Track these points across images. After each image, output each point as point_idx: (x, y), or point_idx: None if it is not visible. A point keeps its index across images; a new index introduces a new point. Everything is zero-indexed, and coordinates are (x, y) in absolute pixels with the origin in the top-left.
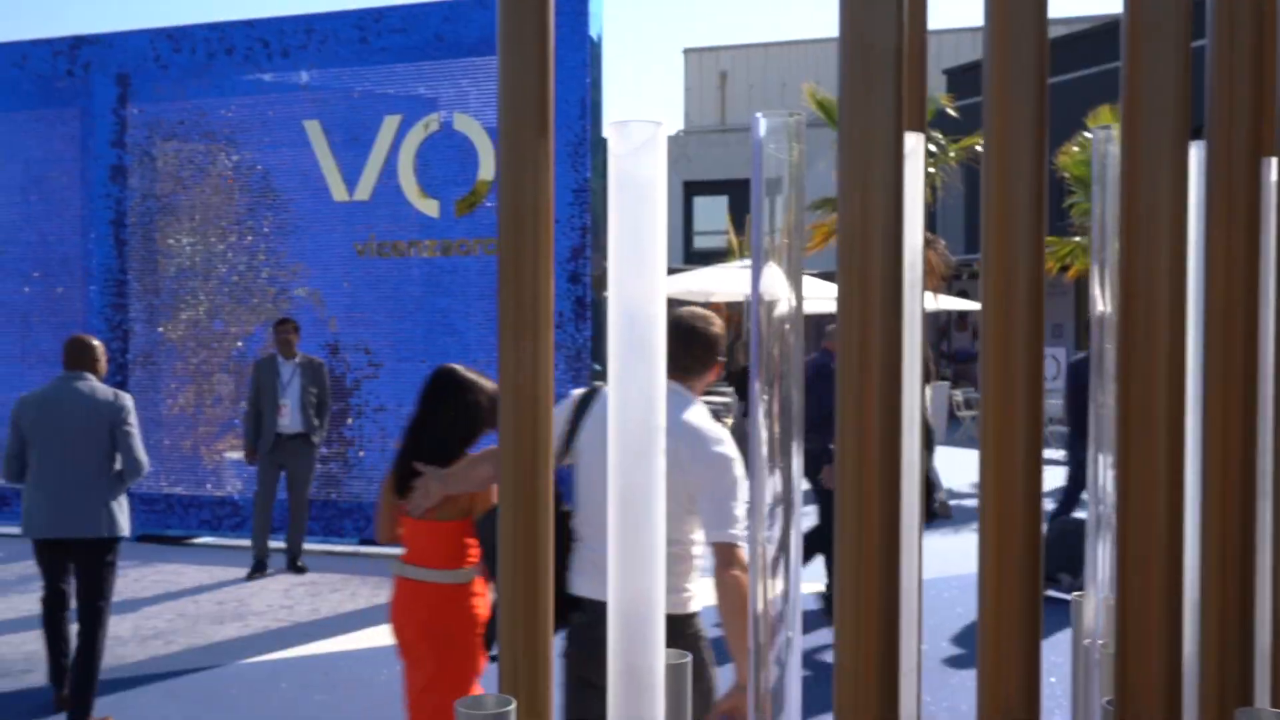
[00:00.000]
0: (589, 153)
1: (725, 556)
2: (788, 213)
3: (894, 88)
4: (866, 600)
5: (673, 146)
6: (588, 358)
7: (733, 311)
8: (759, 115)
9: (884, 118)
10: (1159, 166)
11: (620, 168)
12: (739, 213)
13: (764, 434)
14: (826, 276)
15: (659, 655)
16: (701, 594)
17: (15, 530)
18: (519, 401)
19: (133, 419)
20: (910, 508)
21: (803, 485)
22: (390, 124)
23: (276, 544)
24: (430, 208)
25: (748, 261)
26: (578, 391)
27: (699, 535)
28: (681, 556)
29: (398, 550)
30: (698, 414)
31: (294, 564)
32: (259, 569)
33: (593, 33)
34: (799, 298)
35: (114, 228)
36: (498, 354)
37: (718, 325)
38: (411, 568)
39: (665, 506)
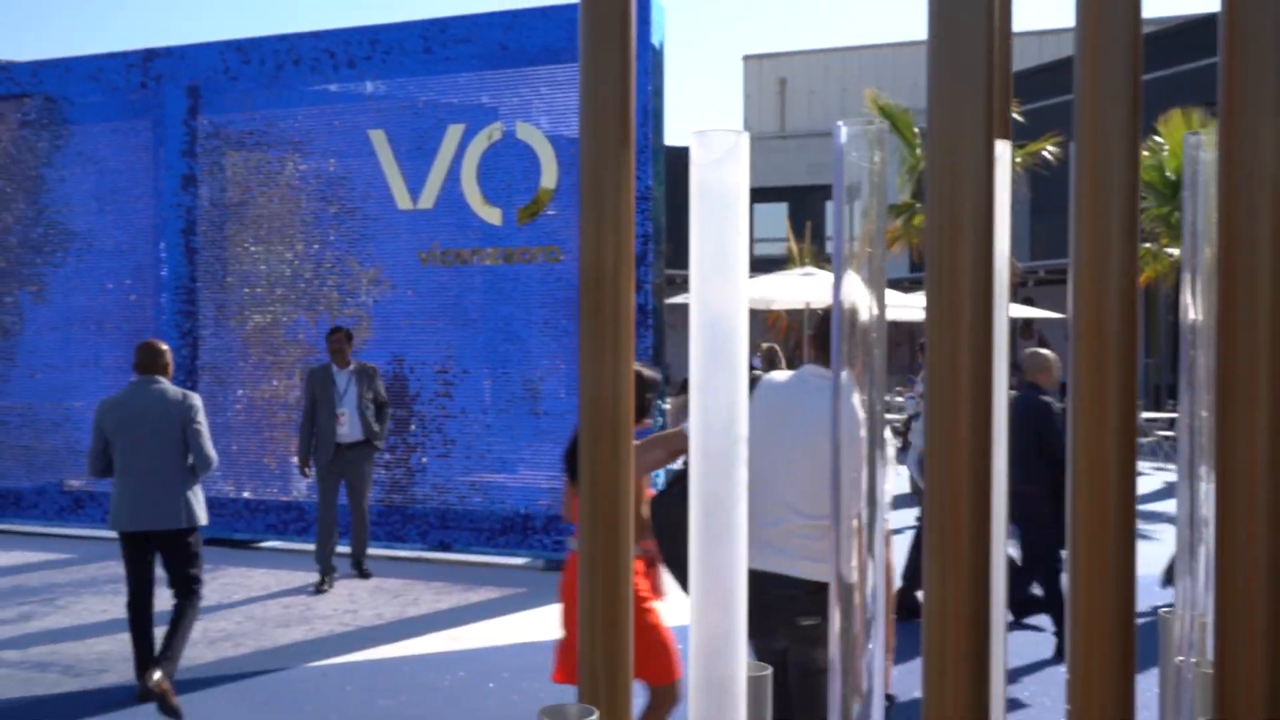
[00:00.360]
0: (650, 160)
1: None
2: (867, 220)
3: (985, 95)
4: (957, 608)
5: None
6: None
7: (792, 319)
8: (840, 123)
9: (975, 125)
10: (1260, 167)
11: (702, 177)
12: (799, 219)
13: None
14: (894, 284)
15: (741, 666)
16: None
17: (88, 532)
18: (599, 410)
19: (201, 417)
20: (999, 517)
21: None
22: (454, 133)
23: (342, 548)
24: (493, 216)
25: (808, 268)
26: None
27: None
28: None
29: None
30: (857, 400)
31: (359, 566)
32: (326, 581)
33: (654, 40)
34: (881, 305)
35: (184, 236)
36: (579, 362)
37: None
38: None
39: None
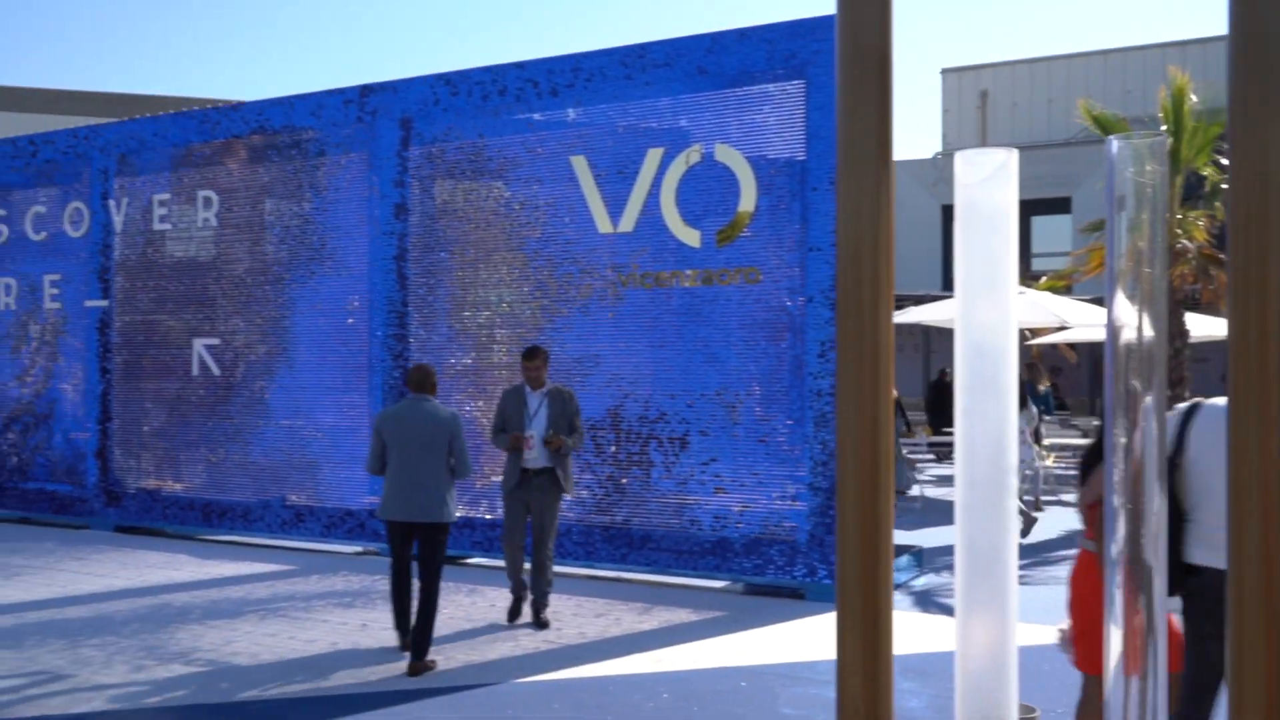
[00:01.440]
0: None
1: None
2: (1135, 234)
3: None
4: (1267, 622)
5: (930, 169)
6: None
7: None
8: (1111, 138)
9: None
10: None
11: (968, 196)
12: None
13: (1119, 473)
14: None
15: (1011, 707)
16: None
17: (308, 545)
18: (860, 431)
19: (463, 433)
20: None
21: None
22: (653, 156)
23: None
24: (691, 238)
25: (1016, 287)
26: (1181, 405)
27: None
28: None
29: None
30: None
31: (537, 616)
32: (517, 611)
33: None
34: (1157, 323)
35: (396, 263)
36: (836, 383)
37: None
38: (1089, 541)
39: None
